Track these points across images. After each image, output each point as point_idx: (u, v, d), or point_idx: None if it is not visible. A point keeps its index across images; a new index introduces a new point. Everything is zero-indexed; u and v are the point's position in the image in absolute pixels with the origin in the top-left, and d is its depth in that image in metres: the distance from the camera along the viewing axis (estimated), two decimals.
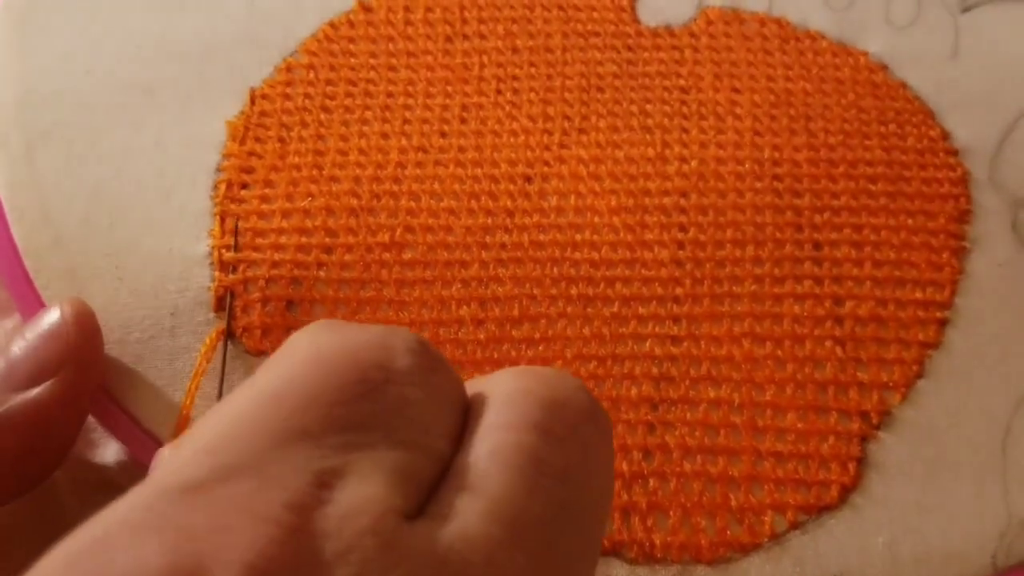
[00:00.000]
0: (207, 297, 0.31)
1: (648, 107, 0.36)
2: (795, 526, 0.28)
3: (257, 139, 0.34)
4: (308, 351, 0.19)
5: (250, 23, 0.38)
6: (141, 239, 0.33)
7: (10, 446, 0.26)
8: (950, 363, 0.31)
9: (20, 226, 0.33)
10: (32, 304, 0.32)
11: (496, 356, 0.30)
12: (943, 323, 0.32)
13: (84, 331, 0.28)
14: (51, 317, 0.28)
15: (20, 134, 0.35)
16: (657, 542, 0.28)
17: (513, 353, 0.31)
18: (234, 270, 0.32)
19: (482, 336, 0.31)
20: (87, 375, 0.28)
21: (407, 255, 0.32)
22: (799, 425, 0.30)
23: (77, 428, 0.28)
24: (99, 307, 0.31)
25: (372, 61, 0.37)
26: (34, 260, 0.32)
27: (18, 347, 0.27)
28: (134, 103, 0.35)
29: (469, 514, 0.17)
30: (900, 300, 0.32)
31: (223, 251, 0.32)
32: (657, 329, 0.31)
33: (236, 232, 0.32)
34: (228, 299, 0.31)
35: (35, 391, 0.27)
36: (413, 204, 0.33)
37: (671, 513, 0.28)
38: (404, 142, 0.34)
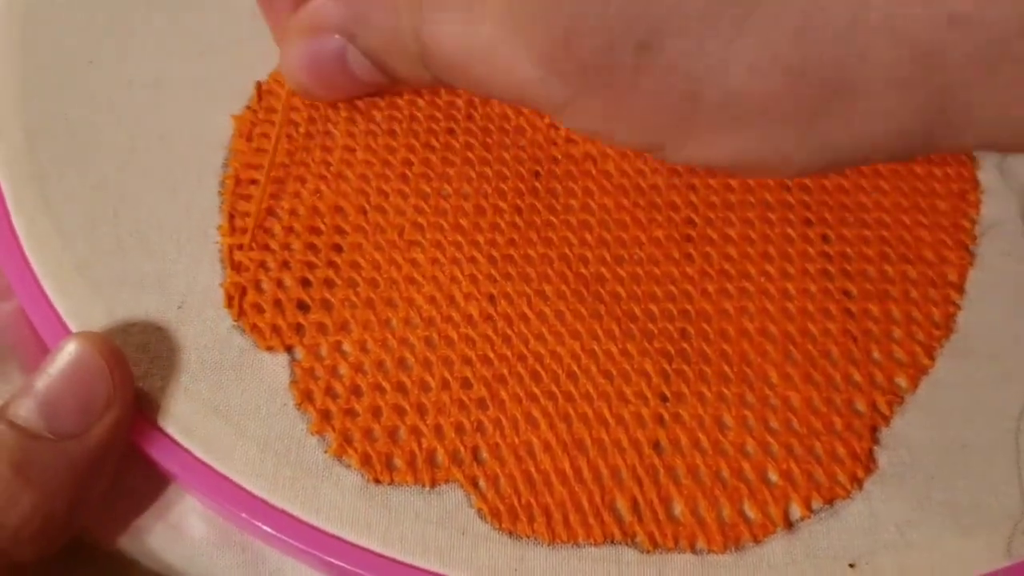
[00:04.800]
0: (217, 294, 0.32)
1: None
2: (808, 514, 0.29)
3: (264, 135, 0.34)
4: None
5: (255, 15, 0.37)
6: (147, 233, 0.33)
7: (69, 494, 0.26)
8: (961, 350, 0.32)
9: (21, 216, 0.33)
10: (33, 292, 0.32)
11: (506, 352, 0.31)
12: (954, 311, 0.32)
13: (123, 368, 0.28)
14: (79, 354, 0.28)
15: (21, 124, 0.35)
16: (669, 531, 0.28)
17: (523, 349, 0.31)
18: (244, 269, 0.32)
19: (491, 332, 0.31)
20: (130, 407, 0.29)
21: (416, 253, 0.32)
22: (810, 416, 0.30)
23: (116, 463, 0.29)
24: (104, 297, 0.31)
25: None
26: (36, 250, 0.32)
27: (48, 386, 0.27)
28: (138, 96, 0.35)
29: None
30: (910, 290, 0.32)
31: (235, 250, 0.32)
32: (667, 324, 0.31)
33: (252, 234, 0.32)
34: (238, 298, 0.31)
35: (91, 434, 0.27)
36: (421, 202, 0.33)
37: (683, 503, 0.29)
38: (411, 139, 0.34)
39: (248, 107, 0.35)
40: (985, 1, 0.20)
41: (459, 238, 0.32)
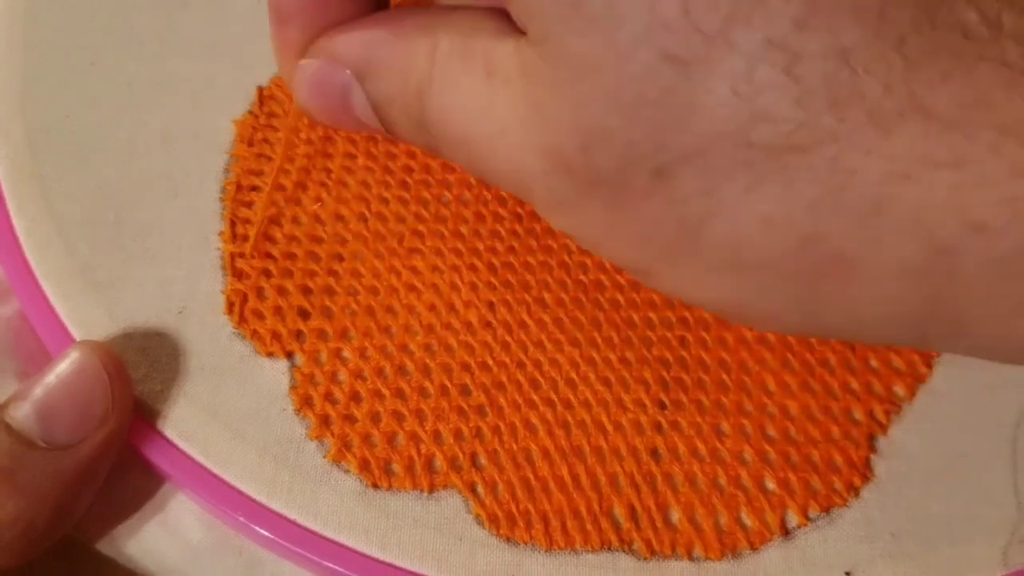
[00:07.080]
0: (218, 300, 0.32)
1: None
2: (805, 523, 0.29)
3: (266, 141, 0.34)
4: None
5: (256, 20, 0.37)
6: (148, 236, 0.33)
7: (55, 503, 0.26)
8: (959, 359, 0.31)
9: (21, 218, 0.33)
10: (33, 294, 0.32)
11: (505, 359, 0.31)
12: None
13: (123, 381, 0.28)
14: (82, 364, 0.28)
15: (22, 126, 0.35)
16: (666, 539, 0.28)
17: (521, 356, 0.31)
18: (246, 276, 0.32)
19: (490, 339, 0.31)
20: (126, 422, 0.28)
21: (416, 260, 0.32)
22: (808, 425, 0.30)
23: (106, 474, 0.29)
24: (104, 300, 0.31)
25: None
26: (35, 252, 0.32)
27: (47, 393, 0.27)
28: (139, 99, 0.36)
29: None
30: None
31: (236, 257, 0.32)
32: (665, 332, 0.31)
33: (253, 241, 0.32)
34: (239, 305, 0.31)
35: (84, 446, 0.27)
36: (422, 209, 0.33)
37: (680, 511, 0.29)
38: (412, 146, 0.34)
39: (249, 111, 0.35)
40: (1016, 217, 0.19)
41: (459, 245, 0.32)
